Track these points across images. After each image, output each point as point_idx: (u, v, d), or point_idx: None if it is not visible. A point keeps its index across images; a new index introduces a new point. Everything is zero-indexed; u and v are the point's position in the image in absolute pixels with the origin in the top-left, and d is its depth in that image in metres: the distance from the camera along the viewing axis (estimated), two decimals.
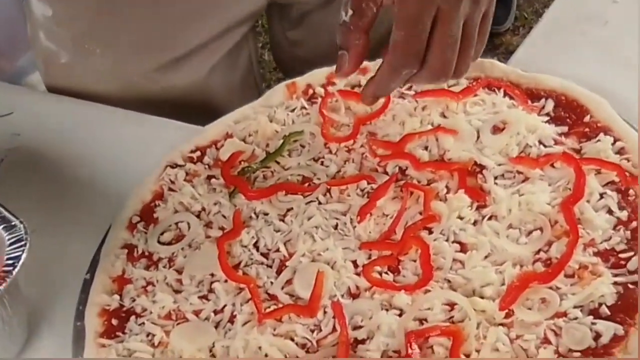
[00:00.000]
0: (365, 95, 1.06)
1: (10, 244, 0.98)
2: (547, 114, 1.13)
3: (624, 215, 0.99)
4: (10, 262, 0.97)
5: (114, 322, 1.02)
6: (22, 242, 0.98)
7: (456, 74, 1.00)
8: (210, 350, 0.97)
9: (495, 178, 1.07)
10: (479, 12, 0.97)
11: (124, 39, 1.34)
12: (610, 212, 1.00)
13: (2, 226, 1.00)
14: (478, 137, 1.12)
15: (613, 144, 1.06)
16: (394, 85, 1.03)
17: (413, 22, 0.95)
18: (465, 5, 0.95)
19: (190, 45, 1.37)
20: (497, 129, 1.12)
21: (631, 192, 1.02)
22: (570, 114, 1.12)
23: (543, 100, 1.14)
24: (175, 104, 1.38)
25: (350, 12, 0.98)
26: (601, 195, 1.02)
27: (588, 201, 1.01)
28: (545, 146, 1.09)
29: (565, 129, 1.11)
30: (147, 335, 1.00)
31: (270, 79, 2.60)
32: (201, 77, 1.41)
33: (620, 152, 1.06)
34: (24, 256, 0.97)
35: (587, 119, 1.10)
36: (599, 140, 1.07)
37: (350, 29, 0.99)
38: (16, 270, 0.95)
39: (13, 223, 1.00)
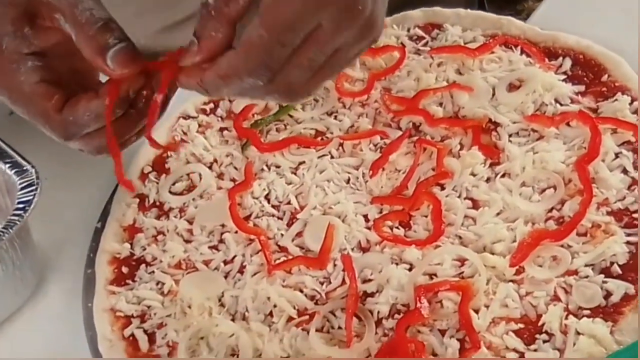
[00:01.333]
0: (186, 81, 0.81)
1: (22, 189, 0.99)
2: (564, 73, 1.11)
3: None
4: (21, 206, 0.97)
5: (124, 270, 1.03)
6: (34, 187, 0.99)
7: (290, 98, 0.81)
8: (219, 300, 0.97)
9: (510, 136, 1.06)
10: (359, 48, 0.79)
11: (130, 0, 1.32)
12: (625, 171, 0.99)
13: (14, 171, 1.01)
14: (493, 94, 1.10)
15: (630, 103, 1.05)
16: (225, 93, 0.81)
17: (286, 28, 0.74)
18: (349, 35, 0.76)
19: (195, 6, 1.34)
20: (513, 87, 1.10)
21: None
22: (587, 72, 1.11)
23: (560, 58, 1.13)
24: None
25: None
26: (616, 155, 1.01)
27: (603, 160, 1.00)
28: (561, 105, 1.08)
29: (582, 87, 1.09)
30: (157, 284, 1.01)
31: None
32: None
33: (637, 111, 1.04)
34: (35, 200, 0.97)
35: (604, 78, 1.09)
36: (616, 100, 1.06)
37: (211, 15, 0.77)
38: (27, 214, 0.95)
39: (25, 168, 1.01)
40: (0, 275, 0.98)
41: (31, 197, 0.98)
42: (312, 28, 0.74)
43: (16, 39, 0.84)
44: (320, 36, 0.75)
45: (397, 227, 1.00)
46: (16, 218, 0.96)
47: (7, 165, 1.02)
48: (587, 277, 0.91)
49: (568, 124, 1.05)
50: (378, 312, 0.93)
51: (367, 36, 0.78)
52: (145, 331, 0.97)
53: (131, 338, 0.97)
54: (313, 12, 0.73)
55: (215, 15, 0.76)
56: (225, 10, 0.76)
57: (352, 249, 0.99)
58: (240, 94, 0.80)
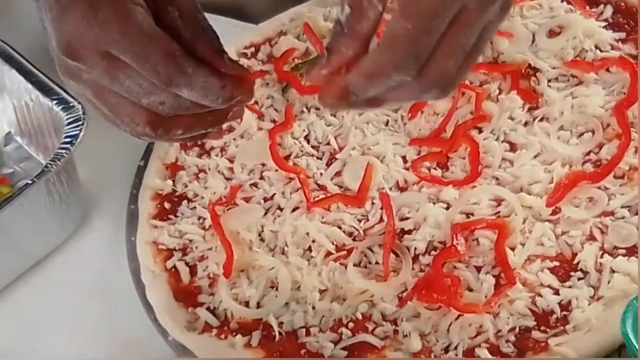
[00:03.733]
0: (330, 93, 0.75)
1: (69, 124, 1.01)
2: (605, 20, 1.11)
3: None
4: (68, 139, 0.99)
5: (167, 205, 1.05)
6: (80, 122, 1.01)
7: (444, 91, 0.75)
8: (259, 235, 1.00)
9: (549, 81, 1.06)
10: (499, 22, 0.75)
11: None
12: None
13: (61, 107, 1.03)
14: (533, 40, 1.11)
15: None
16: (373, 92, 0.73)
17: (430, 16, 0.69)
18: (494, 10, 0.72)
19: None
20: (553, 33, 1.11)
21: None
22: (628, 20, 1.10)
23: (602, 6, 1.13)
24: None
25: (347, 10, 0.72)
26: None
27: None
28: (601, 51, 1.08)
29: (623, 35, 1.09)
30: (199, 219, 1.03)
31: None
32: None
33: None
34: (81, 135, 0.99)
35: None
36: None
37: (343, 32, 0.73)
38: (74, 147, 0.98)
39: (72, 104, 1.03)
40: (48, 207, 1.01)
41: (78, 132, 1.00)
42: (457, 10, 0.70)
43: None
44: (467, 18, 0.71)
45: (434, 168, 1.02)
46: (63, 151, 0.99)
47: (55, 102, 1.04)
48: (623, 217, 0.92)
49: (608, 70, 1.05)
50: (415, 249, 0.95)
51: (507, 7, 0.74)
52: (187, 263, 0.99)
53: (173, 270, 0.99)
54: None
55: (348, 33, 0.73)
56: (357, 28, 0.73)
57: (390, 189, 1.01)
58: (389, 95, 0.75)
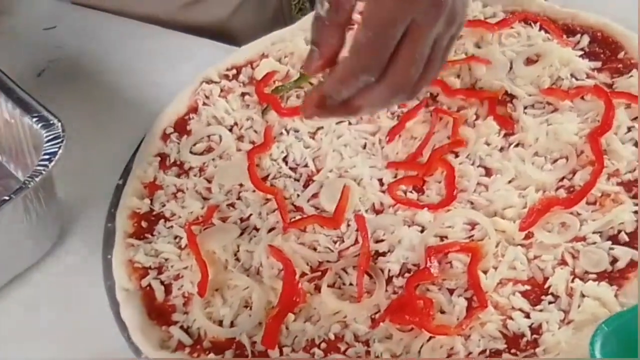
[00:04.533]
0: (309, 102, 0.90)
1: (48, 141, 1.02)
2: (582, 49, 1.13)
3: None
4: (47, 157, 1.00)
5: (144, 224, 1.06)
6: (59, 140, 1.02)
7: (411, 94, 0.89)
8: (235, 255, 1.00)
9: (525, 108, 1.08)
10: (449, 34, 0.87)
11: None
12: (636, 144, 1.01)
13: (40, 124, 1.04)
14: (511, 67, 1.12)
15: None
16: (345, 94, 0.87)
17: (385, 25, 0.84)
18: (440, 25, 0.85)
19: None
20: (530, 61, 1.12)
21: None
22: (604, 49, 1.12)
23: (579, 35, 1.14)
24: None
25: (326, 5, 0.86)
26: (629, 129, 1.03)
27: (615, 133, 1.02)
28: (577, 79, 1.09)
29: (598, 64, 1.11)
30: (175, 238, 1.03)
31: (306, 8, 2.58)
32: (225, 15, 1.41)
33: None
34: (59, 152, 1.00)
35: (621, 55, 1.11)
36: (631, 76, 1.08)
37: (325, 24, 0.87)
38: (52, 164, 0.99)
39: (51, 122, 1.04)
40: (24, 224, 1.01)
41: (56, 149, 1.01)
42: (408, 23, 0.83)
43: None
44: (417, 30, 0.84)
45: (410, 192, 1.03)
46: (41, 168, 0.99)
47: (34, 119, 1.05)
48: (594, 243, 0.93)
49: (583, 98, 1.07)
50: (389, 271, 0.95)
51: (453, 23, 0.86)
52: (162, 282, 1.00)
53: (148, 288, 0.99)
54: (406, 9, 0.83)
55: (329, 24, 0.87)
56: (336, 18, 0.86)
57: (366, 211, 1.01)
58: (362, 99, 0.87)
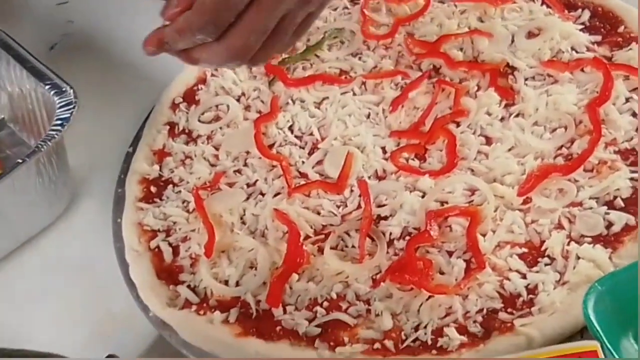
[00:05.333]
0: (149, 41, 0.89)
1: (60, 107, 1.05)
2: (582, 23, 1.15)
3: None
4: (59, 122, 1.03)
5: (153, 189, 1.09)
6: (72, 106, 1.05)
7: (252, 62, 0.90)
8: (241, 218, 1.03)
9: (526, 79, 1.10)
10: (304, 12, 0.88)
11: None
12: (634, 115, 1.03)
13: (53, 91, 1.07)
14: (512, 41, 1.14)
15: None
16: (182, 45, 0.88)
17: None
18: (291, 2, 0.86)
19: None
20: (531, 35, 1.14)
21: None
22: (605, 24, 1.14)
23: (580, 10, 1.17)
24: None
25: None
26: (627, 100, 1.05)
27: (614, 104, 1.05)
28: (577, 52, 1.12)
29: (598, 37, 1.13)
30: (183, 202, 1.06)
31: None
32: None
33: None
34: (72, 117, 1.03)
35: (621, 29, 1.13)
36: (630, 49, 1.10)
37: None
38: (64, 128, 1.02)
39: (64, 89, 1.07)
40: (38, 187, 1.05)
41: (68, 115, 1.04)
42: None
43: None
44: (263, 3, 0.85)
45: (412, 159, 1.05)
46: (54, 133, 1.02)
47: (47, 87, 1.08)
48: (590, 208, 0.96)
49: (582, 70, 1.09)
50: (390, 234, 0.98)
51: (307, 1, 0.87)
52: (170, 244, 1.03)
53: (156, 250, 1.02)
54: None
55: None
56: None
57: (369, 177, 1.04)
58: (199, 54, 0.88)
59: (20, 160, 1.01)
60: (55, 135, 1.02)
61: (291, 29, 0.89)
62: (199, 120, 1.15)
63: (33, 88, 1.11)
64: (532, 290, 0.91)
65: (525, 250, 0.94)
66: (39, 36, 1.36)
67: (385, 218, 1.00)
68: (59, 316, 1.03)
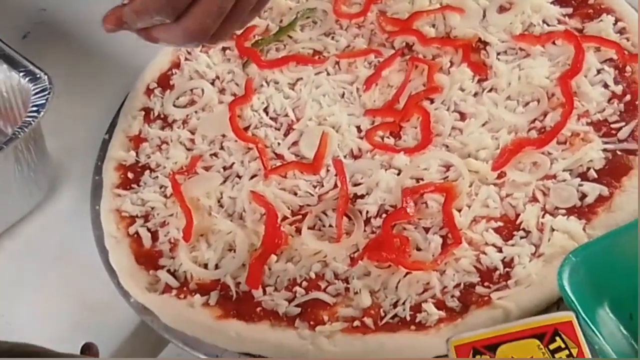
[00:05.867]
0: (109, 18, 0.92)
1: (35, 94, 1.05)
2: None
3: (618, 89, 1.03)
4: (35, 108, 1.03)
5: (130, 175, 1.09)
6: (47, 92, 1.04)
7: (211, 40, 0.92)
8: (219, 201, 1.04)
9: (498, 54, 1.11)
10: None
11: None
12: (606, 86, 1.04)
13: (27, 79, 1.07)
14: (484, 16, 1.15)
15: (615, 24, 1.09)
16: (140, 25, 0.90)
17: None
18: None
19: None
20: (503, 9, 1.15)
21: (628, 68, 1.05)
22: None
23: None
24: None
25: None
26: (598, 71, 1.06)
27: (585, 76, 1.05)
28: (548, 25, 1.12)
29: (569, 10, 1.13)
30: (160, 187, 1.07)
31: None
32: None
33: (621, 31, 1.09)
34: (47, 103, 1.03)
35: (591, 1, 1.13)
36: (601, 21, 1.10)
37: None
38: (40, 115, 1.01)
39: (38, 75, 1.07)
40: (17, 175, 1.05)
41: (44, 101, 1.04)
42: None
43: None
44: None
45: (387, 137, 1.06)
46: (30, 119, 1.02)
47: (21, 74, 1.08)
48: (564, 180, 0.97)
49: (554, 43, 1.10)
50: (367, 212, 0.99)
51: None
52: (148, 229, 1.03)
53: (135, 235, 1.03)
54: None
55: None
56: None
57: (345, 156, 1.05)
58: (158, 33, 0.91)
59: None
60: (32, 122, 1.02)
61: (248, 7, 0.91)
62: (174, 105, 1.15)
63: (7, 76, 1.11)
64: (508, 263, 0.92)
65: (500, 224, 0.95)
66: (11, 25, 1.36)
67: (362, 197, 1.01)
68: (39, 305, 1.03)
